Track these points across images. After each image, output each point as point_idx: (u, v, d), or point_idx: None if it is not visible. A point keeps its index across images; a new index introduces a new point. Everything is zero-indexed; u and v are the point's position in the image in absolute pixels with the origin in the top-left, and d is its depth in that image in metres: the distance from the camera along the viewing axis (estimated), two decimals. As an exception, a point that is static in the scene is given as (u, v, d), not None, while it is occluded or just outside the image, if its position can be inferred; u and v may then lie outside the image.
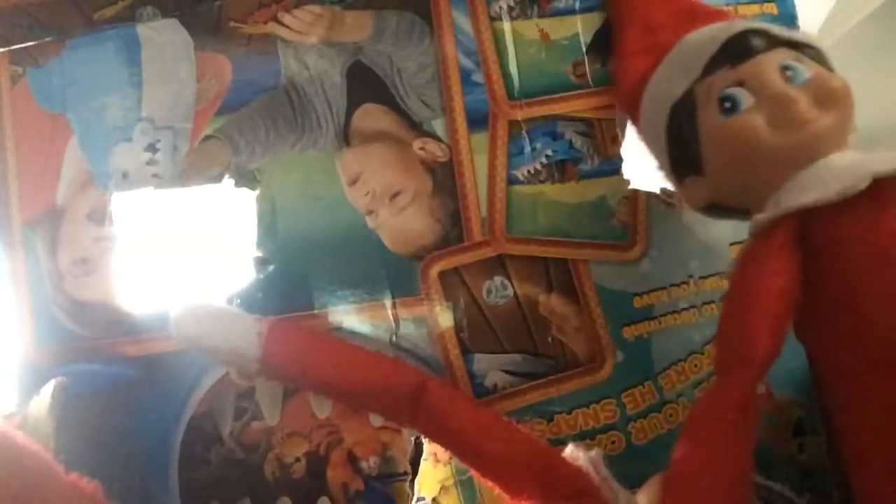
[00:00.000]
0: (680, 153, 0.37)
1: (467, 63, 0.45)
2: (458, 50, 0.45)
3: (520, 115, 0.44)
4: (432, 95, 0.45)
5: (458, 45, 0.45)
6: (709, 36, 0.37)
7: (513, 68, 0.45)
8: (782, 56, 0.35)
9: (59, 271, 0.44)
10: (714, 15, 0.40)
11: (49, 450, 0.39)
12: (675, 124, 0.37)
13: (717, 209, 0.37)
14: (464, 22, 0.45)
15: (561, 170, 0.45)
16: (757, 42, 0.35)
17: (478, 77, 0.45)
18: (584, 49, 0.45)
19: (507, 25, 0.45)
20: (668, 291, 0.44)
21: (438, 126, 0.44)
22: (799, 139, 0.33)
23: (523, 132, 0.44)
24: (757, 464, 0.43)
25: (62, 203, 0.45)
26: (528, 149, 0.44)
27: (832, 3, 0.54)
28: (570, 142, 0.44)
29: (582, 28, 0.45)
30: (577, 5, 0.45)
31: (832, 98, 0.33)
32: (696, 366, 0.44)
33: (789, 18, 0.46)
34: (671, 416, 0.44)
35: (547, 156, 0.45)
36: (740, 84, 0.34)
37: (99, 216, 0.44)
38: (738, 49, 0.35)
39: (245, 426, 0.45)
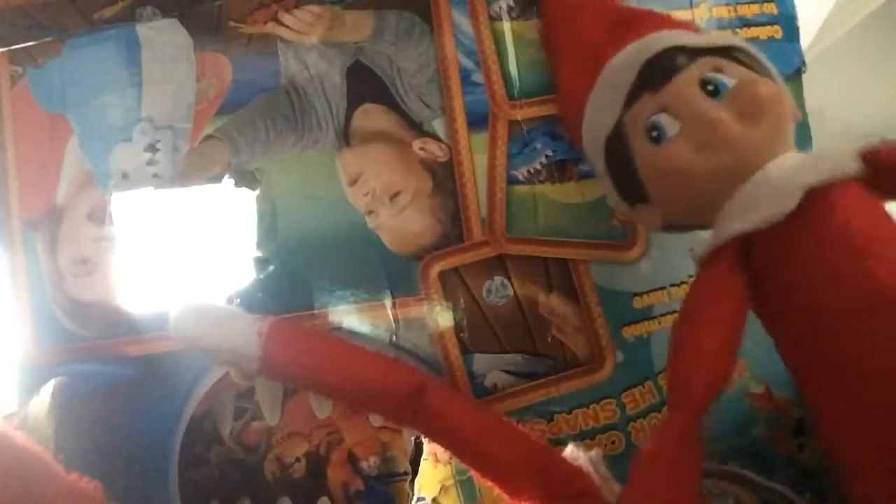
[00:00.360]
0: (622, 183, 0.36)
1: (467, 63, 0.45)
2: (458, 50, 0.45)
3: (520, 115, 0.44)
4: (432, 95, 0.45)
5: (458, 45, 0.45)
6: (628, 60, 0.35)
7: (513, 68, 0.45)
8: (703, 68, 0.33)
9: (59, 271, 0.44)
10: (648, 22, 0.38)
11: (49, 450, 0.39)
12: (611, 156, 0.36)
13: (674, 228, 0.37)
14: (464, 22, 0.45)
15: (561, 170, 0.45)
16: (674, 60, 0.34)
17: (478, 77, 0.45)
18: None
19: (507, 25, 0.45)
20: (668, 291, 0.44)
21: (438, 126, 0.44)
22: (728, 160, 0.31)
23: (523, 132, 0.44)
24: (757, 464, 0.43)
25: (62, 203, 0.45)
26: (527, 149, 0.44)
27: (832, 2, 0.54)
28: (570, 142, 0.44)
29: (582, 28, 0.45)
30: (577, 5, 0.45)
31: (759, 106, 0.31)
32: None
33: (789, 18, 0.46)
34: (671, 416, 0.44)
35: (547, 156, 0.44)
36: (664, 109, 0.33)
37: (99, 216, 0.44)
38: (655, 72, 0.34)
39: (245, 426, 0.45)
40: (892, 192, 0.31)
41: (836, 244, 0.29)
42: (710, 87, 0.32)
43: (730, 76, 0.33)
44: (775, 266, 0.31)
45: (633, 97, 0.34)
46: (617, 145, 0.35)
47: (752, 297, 0.32)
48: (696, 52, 0.34)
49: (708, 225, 0.33)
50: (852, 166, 0.29)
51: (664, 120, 0.33)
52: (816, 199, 0.29)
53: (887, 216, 0.30)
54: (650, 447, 0.31)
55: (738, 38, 0.37)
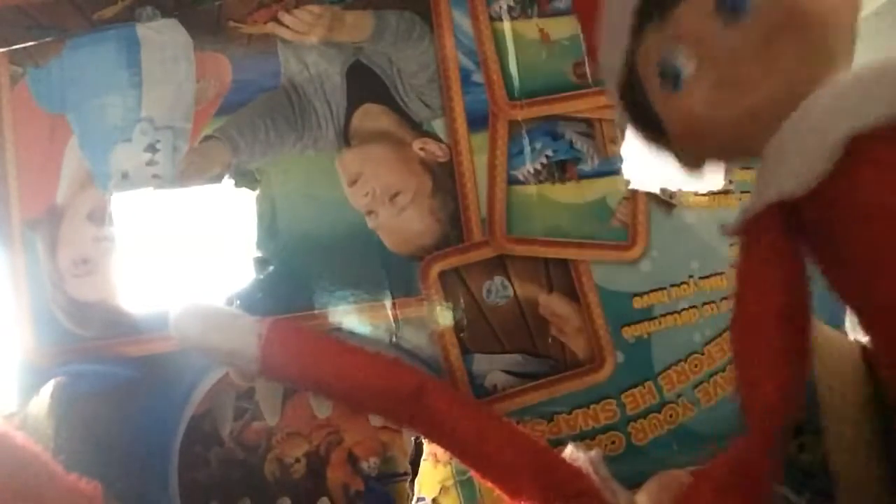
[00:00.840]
0: (648, 131, 0.29)
1: (467, 63, 0.45)
2: (458, 50, 0.45)
3: (520, 115, 0.44)
4: (432, 95, 0.44)
5: (458, 45, 0.45)
6: None
7: (513, 68, 0.45)
8: None
9: (59, 271, 0.44)
10: None
11: (49, 451, 0.39)
12: (631, 102, 0.29)
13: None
14: (464, 22, 0.45)
15: (561, 170, 0.44)
16: None
17: (478, 77, 0.44)
18: (584, 49, 0.45)
19: (507, 25, 0.45)
20: (668, 292, 0.44)
21: (438, 126, 0.44)
22: (751, 101, 0.24)
23: (523, 132, 0.44)
24: (757, 464, 0.43)
25: (62, 203, 0.45)
26: (528, 149, 0.44)
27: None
28: (571, 142, 0.44)
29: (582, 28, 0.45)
30: (578, 5, 0.45)
31: (793, 22, 0.24)
32: (696, 366, 0.44)
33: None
34: (671, 416, 0.44)
35: (547, 156, 0.44)
36: (676, 45, 0.26)
37: (99, 216, 0.44)
38: None
39: (245, 426, 0.45)
40: None
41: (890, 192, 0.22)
42: (731, 7, 0.25)
43: None
44: (828, 224, 0.24)
45: (638, 29, 0.27)
46: (633, 94, 0.28)
47: (812, 256, 0.26)
48: None
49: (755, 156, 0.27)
50: None
51: (677, 58, 0.26)
52: (864, 146, 0.22)
53: None
54: (706, 466, 0.27)
55: None
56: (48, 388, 0.42)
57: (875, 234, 0.23)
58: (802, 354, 0.25)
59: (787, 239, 0.25)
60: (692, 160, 0.29)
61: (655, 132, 0.29)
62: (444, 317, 0.44)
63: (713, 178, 0.33)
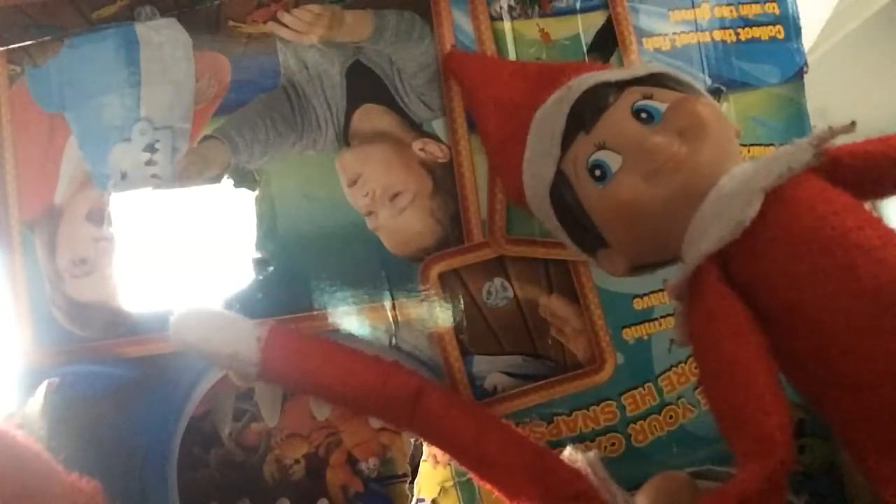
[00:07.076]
0: (578, 232, 0.35)
1: (468, 63, 0.44)
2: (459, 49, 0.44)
3: (520, 115, 0.44)
4: (432, 95, 0.44)
5: (458, 44, 0.44)
6: (554, 108, 0.35)
7: (513, 68, 0.44)
8: (632, 98, 0.33)
9: (57, 272, 0.44)
10: (568, 72, 0.37)
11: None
12: (560, 206, 0.35)
13: (642, 269, 0.35)
14: (464, 21, 0.44)
15: (561, 171, 0.44)
16: (601, 96, 0.33)
17: (478, 77, 0.44)
18: (585, 49, 0.45)
19: (507, 25, 0.45)
20: (668, 293, 0.44)
21: (439, 126, 0.44)
22: (680, 182, 0.30)
23: (524, 133, 0.44)
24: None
25: (61, 203, 0.44)
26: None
27: (835, 2, 0.54)
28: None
29: (583, 28, 0.45)
30: (579, 5, 0.45)
31: (698, 124, 0.30)
32: (696, 368, 0.44)
33: (791, 18, 0.46)
34: (671, 417, 0.44)
35: (547, 157, 0.44)
36: (602, 146, 0.32)
37: (98, 216, 0.44)
38: (584, 112, 0.33)
39: (244, 427, 0.45)
40: (856, 189, 0.29)
41: (808, 239, 0.27)
42: (644, 115, 0.32)
43: (661, 101, 0.32)
44: (755, 275, 0.29)
45: (567, 141, 0.34)
46: (562, 194, 0.35)
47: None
48: (621, 85, 0.34)
49: (674, 256, 0.32)
50: (806, 156, 0.28)
51: (605, 156, 0.32)
52: (779, 199, 0.28)
53: (856, 204, 0.28)
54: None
55: (660, 66, 0.36)
56: (41, 389, 0.42)
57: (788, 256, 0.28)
58: (780, 383, 0.28)
59: (726, 287, 0.29)
60: (623, 259, 0.34)
61: (587, 236, 0.35)
62: (443, 318, 0.44)
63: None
